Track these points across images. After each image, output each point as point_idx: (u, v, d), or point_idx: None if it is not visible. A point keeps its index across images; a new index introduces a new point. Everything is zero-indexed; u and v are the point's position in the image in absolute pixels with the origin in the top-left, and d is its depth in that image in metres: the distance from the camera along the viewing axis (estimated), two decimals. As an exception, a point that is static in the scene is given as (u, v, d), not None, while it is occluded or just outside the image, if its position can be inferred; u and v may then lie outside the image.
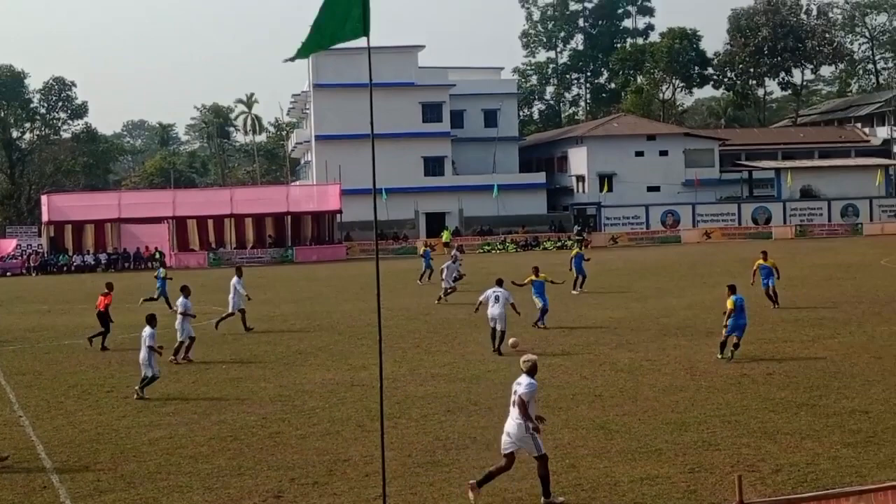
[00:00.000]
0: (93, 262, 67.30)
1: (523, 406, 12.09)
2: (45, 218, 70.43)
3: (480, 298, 23.72)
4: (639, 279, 41.91)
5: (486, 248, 72.00)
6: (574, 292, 35.95)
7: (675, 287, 37.39)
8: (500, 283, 24.10)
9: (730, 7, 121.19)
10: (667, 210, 77.97)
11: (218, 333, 28.49)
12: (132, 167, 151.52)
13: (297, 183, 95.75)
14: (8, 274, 66.11)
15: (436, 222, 79.08)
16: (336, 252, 69.95)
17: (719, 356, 21.00)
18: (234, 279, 29.20)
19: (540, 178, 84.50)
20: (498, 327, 23.02)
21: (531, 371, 12.42)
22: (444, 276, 36.54)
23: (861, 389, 17.69)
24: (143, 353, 19.56)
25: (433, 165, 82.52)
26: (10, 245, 72.76)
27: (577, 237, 69.86)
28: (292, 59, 14.37)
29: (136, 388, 19.37)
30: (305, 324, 30.40)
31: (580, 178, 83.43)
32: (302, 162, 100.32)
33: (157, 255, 64.38)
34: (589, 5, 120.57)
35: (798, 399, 17.04)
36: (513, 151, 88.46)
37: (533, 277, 27.24)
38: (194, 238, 71.69)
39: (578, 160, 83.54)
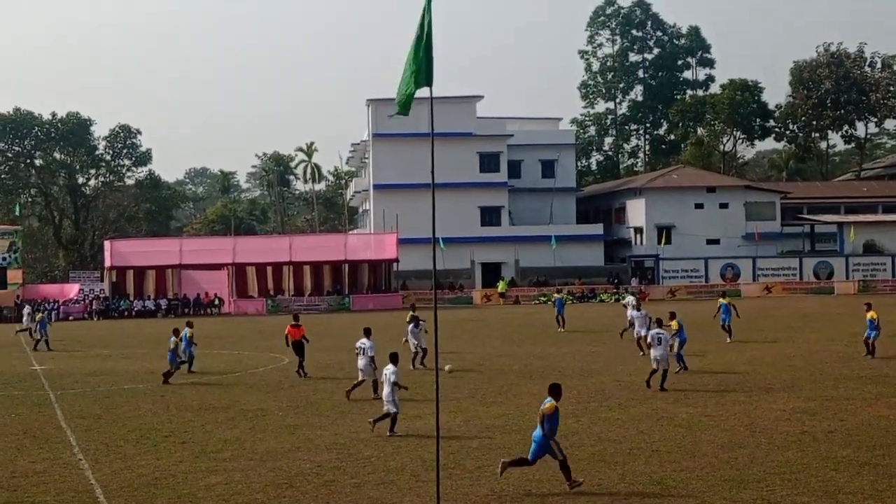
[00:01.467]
0: (153, 308, 68.12)
1: None
2: (107, 263, 71.52)
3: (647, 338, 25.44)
4: (697, 333, 41.42)
5: (542, 298, 71.75)
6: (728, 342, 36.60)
7: (735, 342, 36.95)
8: (659, 322, 26.06)
9: (792, 59, 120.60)
10: (726, 263, 77.30)
11: (274, 380, 28.63)
12: (194, 214, 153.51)
13: (355, 231, 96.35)
14: (70, 318, 67.17)
15: (492, 272, 79.05)
16: (392, 301, 70.13)
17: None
18: (411, 325, 30.64)
19: (597, 229, 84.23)
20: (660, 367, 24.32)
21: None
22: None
23: (925, 449, 17.32)
24: (386, 390, 20.05)
25: (490, 215, 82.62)
26: (73, 290, 73.92)
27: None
28: (399, 113, 14.71)
29: (370, 420, 20.06)
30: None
31: (638, 230, 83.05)
32: (360, 210, 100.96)
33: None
34: (648, 57, 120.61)
35: (860, 458, 16.71)
36: (570, 202, 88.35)
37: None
38: (253, 285, 72.37)
39: (637, 212, 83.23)
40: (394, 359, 20.75)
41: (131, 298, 69.70)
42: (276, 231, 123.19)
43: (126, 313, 68.34)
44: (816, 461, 16.57)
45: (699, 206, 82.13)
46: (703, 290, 74.06)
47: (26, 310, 54.93)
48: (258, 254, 72.92)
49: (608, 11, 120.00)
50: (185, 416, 22.46)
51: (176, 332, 29.73)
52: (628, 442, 18.56)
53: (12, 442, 19.91)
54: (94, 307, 68.37)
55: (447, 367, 21.46)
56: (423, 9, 14.36)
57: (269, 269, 72.38)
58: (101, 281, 75.01)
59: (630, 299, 40.33)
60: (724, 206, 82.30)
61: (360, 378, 24.90)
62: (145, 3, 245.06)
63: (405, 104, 14.32)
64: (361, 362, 24.85)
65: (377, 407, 21.02)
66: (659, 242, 78.35)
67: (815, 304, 60.16)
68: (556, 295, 49.18)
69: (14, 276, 72.60)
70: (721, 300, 38.86)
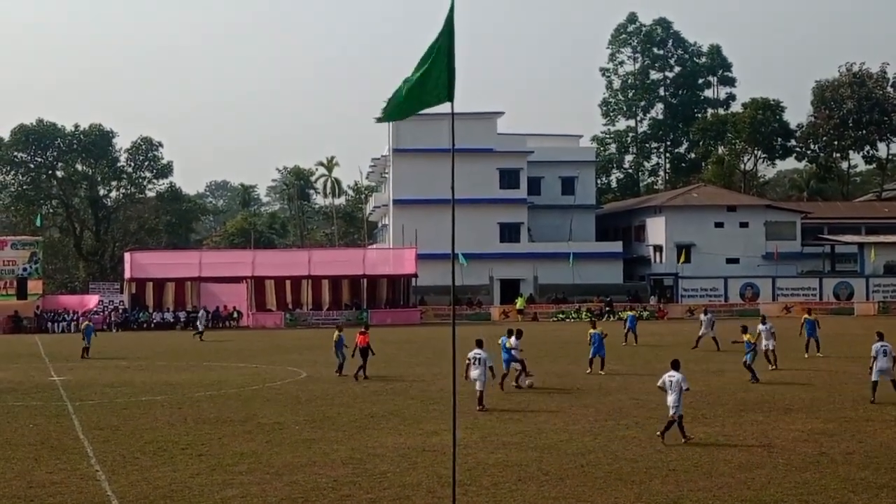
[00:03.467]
0: (172, 320, 68.31)
1: None
2: (127, 275, 71.85)
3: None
4: (716, 352, 41.33)
5: (561, 316, 71.62)
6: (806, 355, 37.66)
7: (755, 361, 36.69)
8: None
9: (814, 79, 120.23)
10: (746, 283, 77.09)
11: (291, 393, 28.67)
12: (214, 227, 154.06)
13: (374, 246, 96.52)
14: (90, 329, 67.36)
15: (510, 289, 79.03)
16: (410, 316, 70.14)
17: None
18: (512, 339, 29.61)
19: (616, 247, 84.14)
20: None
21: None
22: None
23: (945, 473, 17.17)
24: (672, 398, 20.27)
25: (509, 232, 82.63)
26: (92, 301, 74.25)
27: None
28: (381, 121, 14.69)
29: (659, 433, 20.33)
30: (378, 387, 30.44)
31: (658, 248, 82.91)
32: (379, 225, 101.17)
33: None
34: (670, 75, 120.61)
35: (879, 480, 16.59)
36: (590, 219, 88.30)
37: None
38: (272, 298, 72.52)
39: (656, 230, 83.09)
40: (676, 365, 21.12)
41: (150, 310, 69.95)
42: (295, 245, 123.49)
43: (145, 325, 68.58)
44: (835, 483, 16.45)
45: (719, 224, 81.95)
46: (723, 308, 73.74)
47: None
48: (277, 267, 73.09)
49: (630, 29, 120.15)
50: (202, 429, 22.49)
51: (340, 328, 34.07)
52: (645, 461, 18.48)
53: (30, 452, 19.97)
54: (113, 318, 68.62)
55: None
56: (444, 23, 14.38)
57: (288, 282, 72.54)
58: (121, 292, 75.32)
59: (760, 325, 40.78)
60: (744, 225, 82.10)
61: (478, 388, 25.41)
62: (172, 23, 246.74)
63: (395, 113, 14.32)
64: (475, 372, 25.49)
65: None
66: (678, 261, 78.16)
67: (834, 325, 59.77)
68: (628, 313, 51.11)
69: (34, 286, 72.97)
70: (805, 316, 40.39)
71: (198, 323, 58.07)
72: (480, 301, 76.12)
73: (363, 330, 33.99)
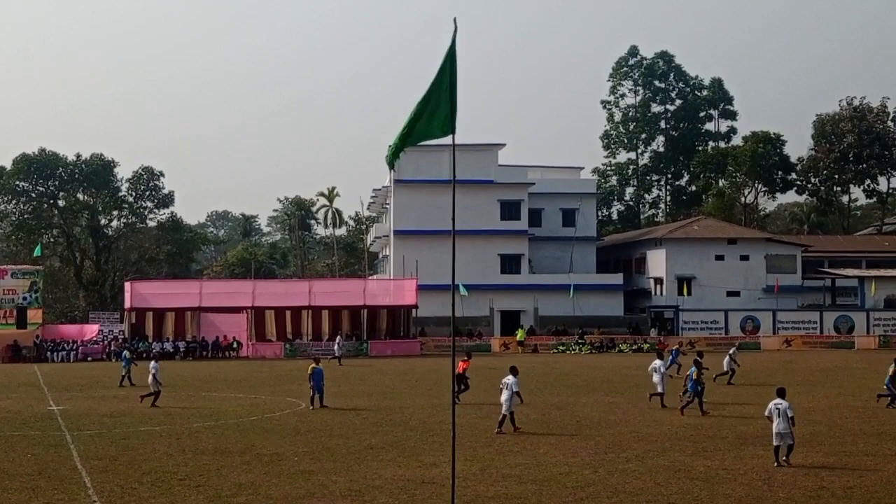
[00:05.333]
0: (171, 350, 68.21)
1: None
2: (127, 304, 71.75)
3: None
4: (716, 385, 41.25)
5: (561, 348, 71.50)
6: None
7: (754, 394, 36.65)
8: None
9: (814, 112, 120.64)
10: (746, 316, 77.01)
11: (290, 424, 28.59)
12: (214, 257, 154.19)
13: (375, 277, 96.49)
14: (89, 359, 67.37)
15: (511, 320, 78.93)
16: (410, 347, 70.03)
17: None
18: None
19: (617, 279, 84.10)
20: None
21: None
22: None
23: (947, 508, 17.10)
24: (782, 425, 20.88)
25: (510, 263, 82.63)
26: (92, 330, 74.17)
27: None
28: (391, 161, 14.80)
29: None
30: (378, 418, 30.35)
31: (658, 281, 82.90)
32: (380, 256, 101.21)
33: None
34: (671, 108, 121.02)
35: (880, 515, 16.52)
36: (590, 251, 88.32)
37: None
38: (272, 328, 72.44)
39: (657, 262, 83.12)
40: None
41: (150, 340, 69.84)
42: (295, 275, 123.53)
43: (144, 355, 68.38)
44: (836, 518, 16.37)
45: (720, 257, 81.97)
46: (723, 341, 73.57)
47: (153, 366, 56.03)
48: (277, 297, 73.07)
49: (631, 62, 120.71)
50: (200, 460, 22.42)
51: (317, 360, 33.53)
52: (645, 494, 18.40)
53: (27, 482, 19.90)
54: (112, 348, 68.52)
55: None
56: (446, 55, 14.46)
57: (288, 313, 72.48)
58: (121, 322, 75.25)
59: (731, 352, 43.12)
60: (744, 258, 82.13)
61: (502, 412, 26.83)
62: (173, 54, 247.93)
63: (398, 150, 14.44)
64: (504, 395, 26.87)
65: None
66: (679, 293, 78.14)
67: (835, 359, 59.73)
68: (673, 348, 50.97)
69: (34, 315, 72.98)
70: None
71: (336, 348, 61.41)
72: (481, 332, 76.02)
73: (465, 357, 35.68)
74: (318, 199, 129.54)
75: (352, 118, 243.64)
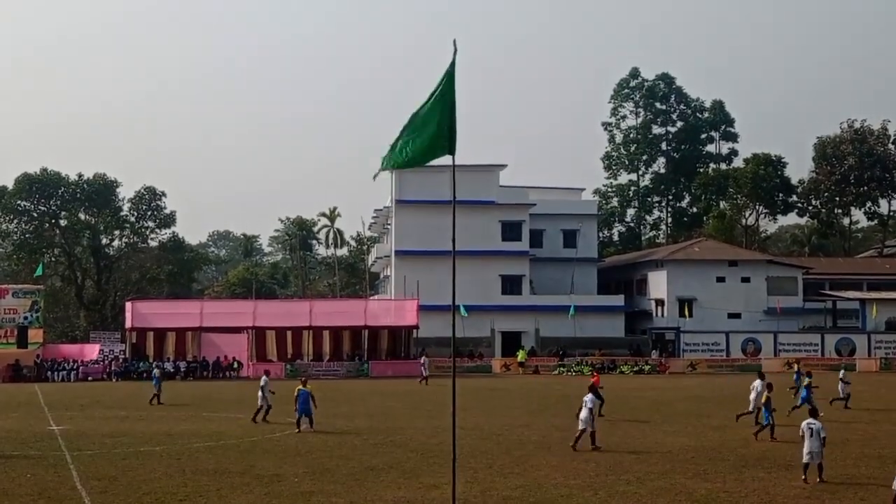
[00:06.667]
0: (172, 370, 68.11)
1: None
2: (128, 324, 71.72)
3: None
4: (718, 407, 41.18)
5: (562, 369, 71.39)
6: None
7: (751, 418, 36.57)
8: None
9: (815, 135, 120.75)
10: (748, 338, 76.94)
11: (291, 445, 28.53)
12: (216, 277, 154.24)
13: (376, 297, 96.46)
14: (90, 378, 67.29)
15: (512, 341, 78.86)
16: (411, 368, 69.84)
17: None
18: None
19: (618, 300, 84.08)
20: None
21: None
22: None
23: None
24: (814, 444, 21.52)
25: (511, 284, 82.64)
26: (93, 350, 74.10)
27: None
28: (381, 170, 14.82)
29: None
30: (378, 439, 30.29)
31: (659, 302, 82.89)
32: (381, 276, 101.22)
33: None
34: (672, 130, 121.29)
35: (881, 539, 16.47)
36: (591, 273, 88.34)
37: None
38: (272, 349, 72.38)
39: (658, 284, 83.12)
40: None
41: (151, 360, 69.76)
42: (297, 295, 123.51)
43: (145, 375, 68.25)
44: (837, 541, 16.33)
45: (721, 279, 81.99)
46: (724, 363, 73.60)
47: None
48: (278, 317, 73.03)
49: (632, 84, 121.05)
50: (200, 480, 22.37)
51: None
52: (646, 517, 18.35)
53: (27, 502, 19.87)
54: (113, 368, 68.44)
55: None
56: (445, 75, 14.50)
57: (289, 333, 72.44)
58: (122, 342, 75.19)
59: None
60: (745, 279, 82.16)
61: (580, 428, 27.44)
62: (172, 71, 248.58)
63: (391, 163, 14.46)
64: (583, 413, 27.46)
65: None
66: (680, 315, 78.12)
67: (836, 381, 59.50)
68: (797, 371, 49.21)
69: (35, 335, 72.93)
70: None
71: (423, 370, 60.11)
72: (482, 353, 75.93)
73: (593, 372, 38.17)
74: (319, 220, 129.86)
75: (354, 138, 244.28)
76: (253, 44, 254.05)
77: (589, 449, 26.84)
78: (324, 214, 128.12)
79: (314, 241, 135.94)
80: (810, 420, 22.31)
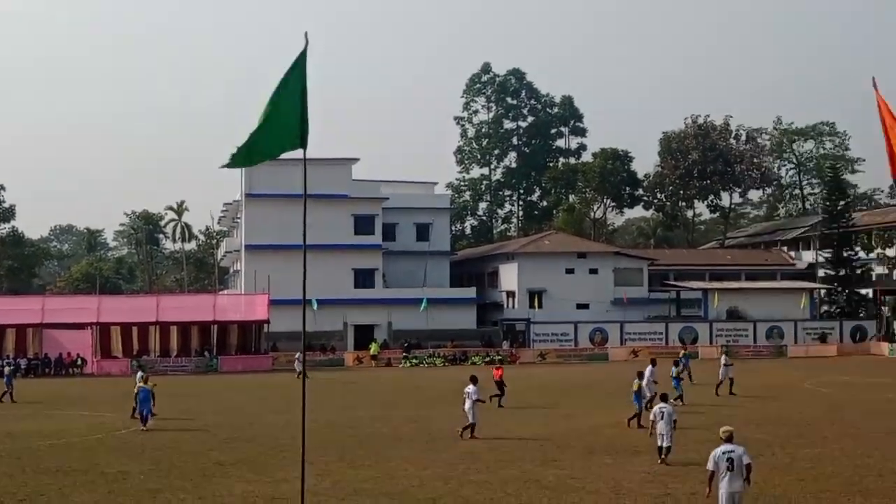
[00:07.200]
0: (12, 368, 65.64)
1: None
2: (-35, 321, 68.83)
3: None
4: (566, 396, 41.93)
5: (414, 361, 71.58)
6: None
7: (602, 404, 37.40)
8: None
9: (661, 130, 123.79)
10: (595, 328, 78.40)
11: (137, 442, 27.83)
12: (58, 272, 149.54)
13: (226, 292, 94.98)
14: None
15: (364, 335, 78.66)
16: (261, 362, 69.08)
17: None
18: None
19: (470, 292, 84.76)
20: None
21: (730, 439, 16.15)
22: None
23: (784, 511, 17.69)
24: (663, 427, 22.51)
25: (363, 278, 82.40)
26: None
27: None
28: (227, 167, 14.46)
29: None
30: (227, 434, 29.82)
31: (510, 294, 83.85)
32: (231, 271, 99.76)
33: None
34: (523, 124, 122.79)
35: (722, 519, 16.95)
36: (444, 266, 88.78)
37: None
38: (117, 345, 70.48)
39: (509, 276, 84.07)
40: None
41: (-6, 356, 67.14)
42: (143, 290, 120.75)
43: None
44: (680, 523, 16.76)
45: (570, 271, 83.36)
46: (573, 353, 74.94)
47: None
48: (123, 313, 71.16)
49: (484, 79, 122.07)
50: (41, 479, 21.62)
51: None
52: (496, 505, 18.52)
53: None
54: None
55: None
56: (294, 67, 14.26)
57: (135, 329, 70.64)
58: (-42, 339, 72.06)
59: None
60: (593, 271, 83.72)
61: (470, 420, 27.73)
62: (14, 50, 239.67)
63: (242, 159, 14.20)
64: (467, 405, 27.90)
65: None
66: (531, 306, 79.16)
67: (689, 369, 61.19)
68: (682, 353, 50.24)
69: None
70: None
71: (296, 364, 59.29)
72: (334, 347, 75.50)
73: (498, 365, 40.05)
74: (166, 213, 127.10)
75: (201, 130, 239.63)
76: (100, 28, 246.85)
77: (468, 438, 27.43)
78: (171, 208, 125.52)
79: (161, 236, 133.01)
80: (662, 404, 23.25)
